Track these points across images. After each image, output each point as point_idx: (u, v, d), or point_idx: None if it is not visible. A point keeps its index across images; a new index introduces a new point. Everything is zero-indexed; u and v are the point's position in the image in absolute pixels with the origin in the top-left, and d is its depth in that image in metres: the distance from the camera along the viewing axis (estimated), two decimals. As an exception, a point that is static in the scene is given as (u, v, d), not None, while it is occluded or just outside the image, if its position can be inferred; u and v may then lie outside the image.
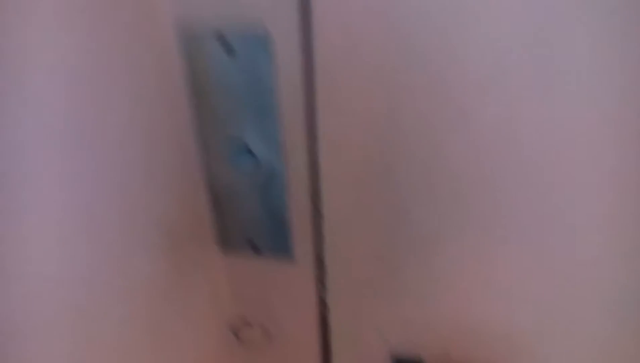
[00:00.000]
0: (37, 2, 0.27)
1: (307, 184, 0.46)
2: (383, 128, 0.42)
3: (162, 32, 0.40)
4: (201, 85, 0.43)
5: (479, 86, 0.39)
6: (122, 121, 0.36)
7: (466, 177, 0.43)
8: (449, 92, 0.39)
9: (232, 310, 0.57)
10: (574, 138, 0.39)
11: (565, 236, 0.43)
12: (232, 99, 0.43)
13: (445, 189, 0.44)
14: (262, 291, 0.55)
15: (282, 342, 0.58)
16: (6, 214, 0.26)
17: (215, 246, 0.52)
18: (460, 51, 0.38)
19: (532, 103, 0.38)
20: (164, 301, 0.44)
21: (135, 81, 0.37)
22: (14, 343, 0.29)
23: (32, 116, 0.28)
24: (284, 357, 0.59)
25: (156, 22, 0.39)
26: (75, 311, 0.33)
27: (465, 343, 0.52)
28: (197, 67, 0.42)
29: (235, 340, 0.59)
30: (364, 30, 0.38)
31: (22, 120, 0.27)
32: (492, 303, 0.49)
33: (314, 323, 0.55)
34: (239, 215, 0.49)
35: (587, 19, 0.35)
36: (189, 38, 0.41)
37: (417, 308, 0.51)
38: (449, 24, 0.37)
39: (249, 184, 0.47)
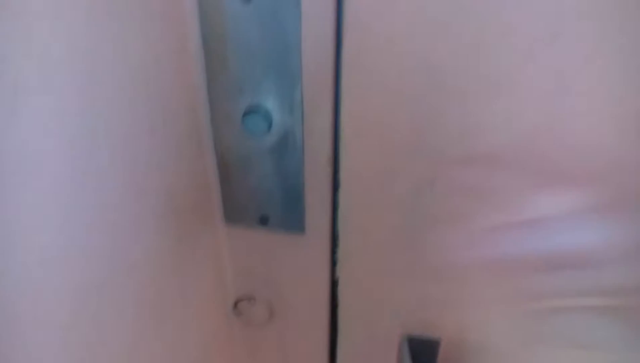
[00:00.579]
0: None
1: (325, 151, 0.42)
2: (415, 94, 0.38)
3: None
4: (213, 37, 0.39)
5: (525, 51, 0.35)
6: (123, 77, 0.31)
7: (500, 150, 0.40)
8: (492, 55, 0.36)
9: (237, 285, 0.53)
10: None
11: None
12: (248, 54, 0.39)
13: (478, 162, 0.40)
14: (269, 266, 0.51)
15: (287, 320, 0.54)
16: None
17: (221, 218, 0.48)
18: (506, 11, 0.34)
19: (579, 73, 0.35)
20: (167, 274, 0.40)
21: (139, 33, 0.32)
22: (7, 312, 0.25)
23: (36, 66, 0.23)
24: (288, 334, 0.56)
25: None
26: (75, 282, 0.29)
27: (481, 324, 0.50)
28: (208, 16, 0.38)
29: (238, 316, 0.55)
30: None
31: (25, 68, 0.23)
32: (510, 282, 0.47)
33: (323, 300, 0.52)
34: (248, 184, 0.45)
35: None
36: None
37: (433, 287, 0.48)
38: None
39: (262, 150, 0.43)
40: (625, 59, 0.34)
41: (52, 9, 0.24)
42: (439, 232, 0.44)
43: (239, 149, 0.43)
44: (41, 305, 0.27)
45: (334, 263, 0.49)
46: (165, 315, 0.41)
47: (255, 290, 0.53)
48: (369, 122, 0.40)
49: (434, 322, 0.50)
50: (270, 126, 0.41)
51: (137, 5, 0.31)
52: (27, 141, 0.24)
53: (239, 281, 0.53)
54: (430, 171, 0.41)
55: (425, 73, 0.37)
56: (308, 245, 0.48)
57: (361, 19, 0.36)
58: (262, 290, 0.53)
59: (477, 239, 0.44)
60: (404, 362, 0.49)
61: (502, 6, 0.34)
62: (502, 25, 0.35)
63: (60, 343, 0.29)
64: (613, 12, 0.33)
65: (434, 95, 0.38)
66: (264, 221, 0.47)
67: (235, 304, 0.55)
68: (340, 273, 0.49)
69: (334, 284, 0.50)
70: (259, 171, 0.44)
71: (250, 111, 0.41)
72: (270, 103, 0.41)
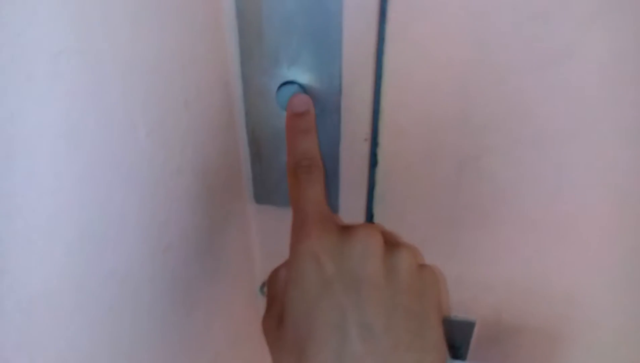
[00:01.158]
0: None
1: (364, 127, 0.40)
2: (463, 68, 0.36)
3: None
4: (247, 8, 0.37)
5: (586, 21, 0.33)
6: (158, 51, 0.29)
7: (549, 131, 0.38)
8: (547, 28, 0.33)
9: (265, 265, 0.52)
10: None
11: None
12: (285, 25, 0.37)
13: (524, 142, 0.39)
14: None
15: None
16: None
17: (251, 197, 0.46)
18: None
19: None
20: (200, 255, 0.39)
21: (174, 7, 0.30)
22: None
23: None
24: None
25: None
26: (113, 264, 0.27)
27: (518, 305, 0.49)
28: (244, -16, 0.36)
29: (265, 297, 0.54)
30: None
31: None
32: (549, 266, 0.45)
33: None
34: (279, 162, 0.44)
35: None
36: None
37: (470, 268, 0.47)
38: None
39: (296, 126, 0.41)
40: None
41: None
42: (480, 211, 0.43)
43: (271, 125, 0.42)
44: (78, 293, 0.25)
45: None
46: (197, 295, 0.40)
47: (284, 271, 0.52)
48: (412, 96, 0.38)
49: (470, 303, 0.49)
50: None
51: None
52: (65, 113, 0.22)
53: (267, 261, 0.52)
54: (476, 147, 0.39)
55: (475, 47, 0.35)
56: (341, 225, 0.46)
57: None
58: (291, 271, 0.52)
59: (521, 218, 0.42)
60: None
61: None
62: (562, -9, 0.32)
63: (98, 329, 0.27)
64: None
65: (482, 70, 0.36)
66: (296, 200, 0.45)
67: (263, 285, 0.53)
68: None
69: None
70: (292, 148, 0.42)
71: (285, 85, 0.39)
72: (307, 77, 0.39)
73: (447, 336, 0.49)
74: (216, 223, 0.41)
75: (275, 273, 0.34)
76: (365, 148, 0.41)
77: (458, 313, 0.50)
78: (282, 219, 0.48)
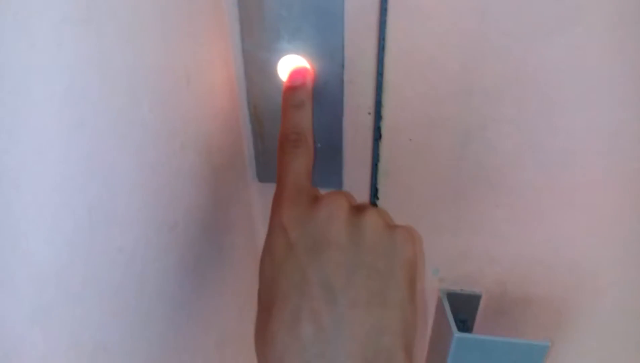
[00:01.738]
0: None
1: (367, 100, 0.40)
2: (466, 36, 0.36)
3: None
4: (247, -21, 0.36)
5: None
6: (158, 26, 0.28)
7: (554, 99, 0.37)
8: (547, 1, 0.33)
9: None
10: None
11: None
12: (286, -4, 0.36)
13: (529, 111, 0.38)
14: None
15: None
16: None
17: (254, 175, 0.46)
18: None
19: None
20: (206, 233, 0.38)
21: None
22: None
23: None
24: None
25: None
26: (117, 243, 0.27)
27: (523, 276, 0.49)
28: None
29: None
30: None
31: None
32: (554, 236, 0.45)
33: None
34: (282, 139, 0.43)
35: None
36: None
37: (475, 241, 0.47)
38: None
39: (299, 101, 0.40)
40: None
41: None
42: (485, 183, 0.42)
43: (273, 102, 0.41)
44: (86, 269, 0.25)
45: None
46: (203, 273, 0.40)
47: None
48: (416, 66, 0.38)
49: (476, 276, 0.49)
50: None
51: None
52: (69, 83, 0.22)
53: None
54: (481, 118, 0.39)
55: (478, 17, 0.35)
56: (345, 201, 0.46)
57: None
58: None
59: (525, 189, 0.42)
60: (444, 317, 0.48)
61: None
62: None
63: (107, 306, 0.27)
64: None
65: (485, 40, 0.36)
66: (300, 177, 0.45)
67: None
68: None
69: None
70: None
71: (287, 59, 0.38)
72: (309, 50, 0.38)
73: (453, 310, 0.49)
74: (220, 201, 0.41)
75: None
76: (369, 121, 0.41)
77: (464, 286, 0.50)
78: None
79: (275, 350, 0.27)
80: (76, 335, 0.24)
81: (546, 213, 0.44)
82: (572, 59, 0.35)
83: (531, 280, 0.49)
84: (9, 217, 0.19)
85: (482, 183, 0.43)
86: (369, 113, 0.40)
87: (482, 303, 0.50)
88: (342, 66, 0.38)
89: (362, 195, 0.45)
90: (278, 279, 0.29)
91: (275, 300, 0.28)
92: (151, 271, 0.30)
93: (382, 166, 0.43)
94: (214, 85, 0.37)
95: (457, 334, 0.44)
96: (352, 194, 0.35)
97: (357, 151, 0.42)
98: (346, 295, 0.27)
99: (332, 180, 0.44)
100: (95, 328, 0.25)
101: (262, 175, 0.46)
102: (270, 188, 0.47)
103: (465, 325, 0.51)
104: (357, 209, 0.31)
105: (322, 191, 0.34)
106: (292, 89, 0.36)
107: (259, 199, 0.48)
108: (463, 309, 0.51)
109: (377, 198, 0.45)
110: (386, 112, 0.40)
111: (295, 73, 0.37)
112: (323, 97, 0.40)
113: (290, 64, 0.38)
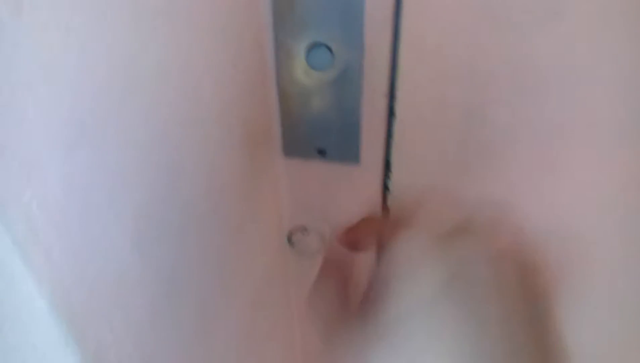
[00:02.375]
0: None
1: (383, 83, 0.45)
2: (471, 24, 0.41)
3: None
4: (281, -24, 0.42)
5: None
6: (199, 13, 0.34)
7: (548, 81, 0.43)
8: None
9: (292, 216, 0.57)
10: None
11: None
12: (315, -9, 0.42)
13: (525, 92, 0.44)
14: (323, 197, 0.55)
15: (338, 248, 0.59)
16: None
17: (280, 151, 0.52)
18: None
19: None
20: (233, 206, 0.44)
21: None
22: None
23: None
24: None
25: None
26: (177, 186, 0.33)
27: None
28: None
29: (292, 247, 0.60)
30: None
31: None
32: (550, 207, 0.51)
33: (373, 227, 0.56)
34: (307, 118, 0.49)
35: None
36: None
37: (478, 211, 0.52)
38: None
39: (322, 84, 0.46)
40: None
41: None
42: (486, 156, 0.48)
43: (300, 83, 0.47)
44: (164, 213, 0.31)
45: (389, 192, 0.53)
46: (228, 245, 0.45)
47: (309, 221, 0.58)
48: (426, 53, 0.43)
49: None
50: (332, 60, 0.44)
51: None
52: (157, 62, 0.27)
53: (294, 212, 0.57)
54: (481, 98, 0.44)
55: (480, 7, 0.41)
56: (362, 175, 0.52)
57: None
58: (316, 221, 0.57)
59: (522, 162, 0.48)
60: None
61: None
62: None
63: (177, 245, 0.33)
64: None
65: (487, 28, 0.41)
66: (322, 152, 0.51)
67: (290, 235, 0.59)
68: (392, 202, 0.53)
69: (387, 214, 0.54)
70: (318, 104, 0.48)
71: (314, 47, 0.44)
72: (334, 38, 0.44)
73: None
74: (255, 171, 0.46)
75: None
76: (384, 102, 0.47)
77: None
78: (308, 170, 0.53)
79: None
80: (156, 264, 0.30)
81: (541, 184, 0.49)
82: (564, 45, 0.41)
83: (529, 249, 0.54)
84: (122, 172, 0.25)
85: (482, 158, 0.48)
86: (385, 95, 0.46)
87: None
88: (362, 52, 0.44)
89: (377, 169, 0.51)
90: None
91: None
92: (206, 222, 0.36)
93: (395, 141, 0.49)
94: (252, 67, 0.42)
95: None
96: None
97: (373, 127, 0.48)
98: None
99: (351, 156, 0.50)
100: (170, 262, 0.31)
101: (288, 150, 0.51)
102: (295, 163, 0.53)
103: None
104: None
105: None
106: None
107: (284, 170, 0.53)
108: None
109: (390, 171, 0.51)
110: (399, 93, 0.46)
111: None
112: (345, 81, 0.45)
113: (318, 53, 0.43)
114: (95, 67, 0.22)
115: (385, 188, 0.52)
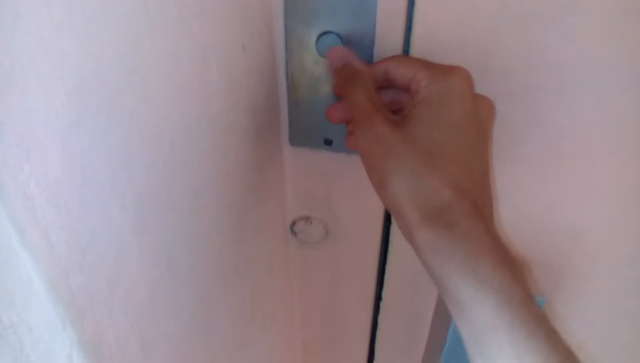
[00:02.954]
0: None
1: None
2: (481, 25, 0.41)
3: None
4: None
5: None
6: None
7: (558, 78, 0.42)
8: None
9: (295, 205, 0.57)
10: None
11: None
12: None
13: (536, 88, 0.43)
14: (327, 187, 0.55)
15: (341, 240, 0.58)
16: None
17: (286, 140, 0.51)
18: None
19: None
20: (240, 193, 0.43)
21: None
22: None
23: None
24: (342, 254, 0.60)
25: None
26: (182, 167, 0.32)
27: (525, 240, 0.54)
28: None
29: (295, 236, 0.59)
30: None
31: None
32: (554, 203, 0.50)
33: (377, 220, 0.56)
34: (315, 107, 0.48)
35: None
36: None
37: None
38: None
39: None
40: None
41: None
42: (494, 151, 0.47)
43: (309, 72, 0.46)
44: (168, 196, 0.30)
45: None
46: (230, 232, 0.44)
47: (312, 210, 0.57)
48: (439, 45, 0.43)
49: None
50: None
51: None
52: (167, 44, 0.27)
53: (298, 201, 0.57)
54: (494, 93, 0.44)
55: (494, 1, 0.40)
56: (368, 166, 0.51)
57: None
58: (319, 210, 0.57)
59: (529, 158, 0.47)
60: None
61: None
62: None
63: (181, 228, 0.32)
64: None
65: (502, 22, 0.41)
66: (328, 142, 0.50)
67: (293, 224, 0.59)
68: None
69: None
70: (327, 94, 0.47)
71: (324, 35, 0.43)
72: (345, 27, 0.43)
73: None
74: (261, 159, 0.46)
75: None
76: (394, 93, 0.46)
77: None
78: (313, 160, 0.53)
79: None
80: (158, 247, 0.29)
81: (546, 181, 0.49)
82: (577, 41, 0.40)
83: (531, 244, 0.54)
84: (125, 153, 0.24)
85: (497, 152, 0.48)
86: (394, 86, 0.45)
87: (521, 261, 0.55)
88: (373, 43, 0.43)
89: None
90: None
91: None
92: (210, 208, 0.36)
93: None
94: (261, 55, 0.42)
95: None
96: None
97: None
98: None
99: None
100: (171, 246, 0.31)
101: (294, 139, 0.51)
102: (301, 152, 0.52)
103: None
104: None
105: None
106: (338, 71, 0.41)
107: (289, 160, 0.53)
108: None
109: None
110: (410, 85, 0.45)
111: (333, 57, 0.42)
112: (354, 70, 0.44)
113: (329, 42, 0.43)
114: (101, 46, 0.22)
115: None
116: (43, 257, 0.21)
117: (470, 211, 0.31)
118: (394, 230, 0.56)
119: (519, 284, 0.30)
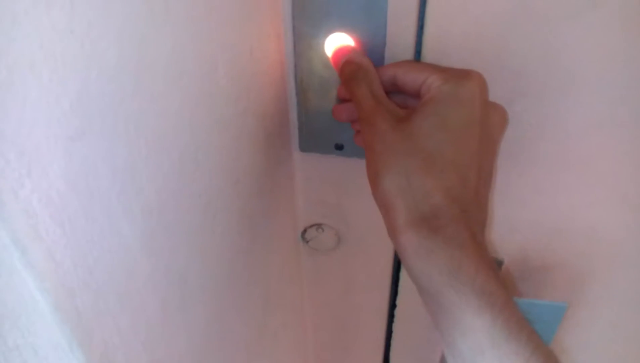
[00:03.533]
0: None
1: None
2: (496, 24, 0.39)
3: None
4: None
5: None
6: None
7: (576, 77, 0.41)
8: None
9: (307, 212, 0.55)
10: None
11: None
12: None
13: (553, 87, 0.42)
14: (339, 194, 0.53)
15: (353, 247, 0.57)
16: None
17: (296, 146, 0.50)
18: None
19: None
20: (250, 200, 0.42)
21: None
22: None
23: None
24: (354, 262, 0.58)
25: None
26: (192, 175, 0.31)
27: (543, 244, 0.52)
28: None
29: (306, 243, 0.58)
30: None
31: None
32: (572, 205, 0.49)
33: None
34: (325, 112, 0.47)
35: None
36: None
37: (499, 210, 0.51)
38: None
39: (342, 76, 0.44)
40: None
41: None
42: (509, 154, 0.46)
43: (318, 76, 0.45)
44: (177, 206, 0.29)
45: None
46: (241, 242, 0.43)
47: (324, 217, 0.56)
48: (452, 45, 0.41)
49: (498, 242, 0.53)
50: (353, 51, 0.42)
51: None
52: (171, 51, 0.26)
53: (309, 208, 0.56)
54: (510, 92, 0.42)
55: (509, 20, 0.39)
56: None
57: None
58: (331, 217, 0.56)
59: (546, 160, 0.46)
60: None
61: None
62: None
63: (191, 238, 0.31)
64: None
65: (517, 20, 0.39)
66: (339, 147, 0.49)
67: (304, 231, 0.57)
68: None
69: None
70: (337, 98, 0.46)
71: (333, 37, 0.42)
72: (355, 28, 0.42)
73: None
74: (271, 165, 0.45)
75: None
76: (406, 95, 0.44)
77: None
78: (324, 166, 0.51)
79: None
80: (168, 262, 0.28)
81: (565, 183, 0.47)
82: (593, 39, 0.39)
83: (550, 247, 0.52)
84: (132, 164, 0.23)
85: (508, 153, 0.46)
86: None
87: (504, 269, 0.54)
88: (384, 44, 0.42)
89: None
90: None
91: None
92: (220, 218, 0.35)
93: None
94: (269, 58, 0.41)
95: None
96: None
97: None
98: None
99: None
100: (181, 261, 0.30)
101: (304, 145, 0.50)
102: (311, 158, 0.51)
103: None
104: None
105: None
106: (341, 69, 0.40)
107: (299, 166, 0.52)
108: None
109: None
110: (423, 87, 0.44)
111: (336, 54, 0.41)
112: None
113: (335, 46, 0.42)
114: (104, 51, 0.21)
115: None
116: (48, 277, 0.20)
117: (458, 217, 0.31)
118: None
119: (501, 288, 0.29)
